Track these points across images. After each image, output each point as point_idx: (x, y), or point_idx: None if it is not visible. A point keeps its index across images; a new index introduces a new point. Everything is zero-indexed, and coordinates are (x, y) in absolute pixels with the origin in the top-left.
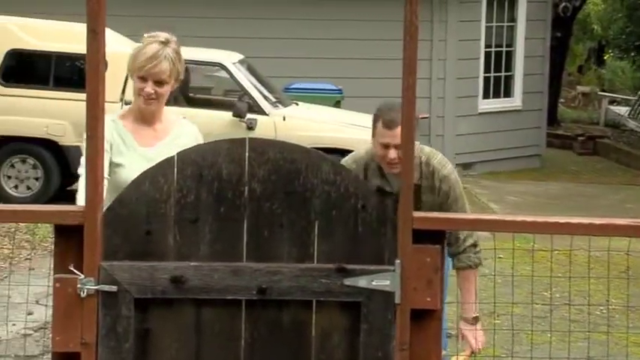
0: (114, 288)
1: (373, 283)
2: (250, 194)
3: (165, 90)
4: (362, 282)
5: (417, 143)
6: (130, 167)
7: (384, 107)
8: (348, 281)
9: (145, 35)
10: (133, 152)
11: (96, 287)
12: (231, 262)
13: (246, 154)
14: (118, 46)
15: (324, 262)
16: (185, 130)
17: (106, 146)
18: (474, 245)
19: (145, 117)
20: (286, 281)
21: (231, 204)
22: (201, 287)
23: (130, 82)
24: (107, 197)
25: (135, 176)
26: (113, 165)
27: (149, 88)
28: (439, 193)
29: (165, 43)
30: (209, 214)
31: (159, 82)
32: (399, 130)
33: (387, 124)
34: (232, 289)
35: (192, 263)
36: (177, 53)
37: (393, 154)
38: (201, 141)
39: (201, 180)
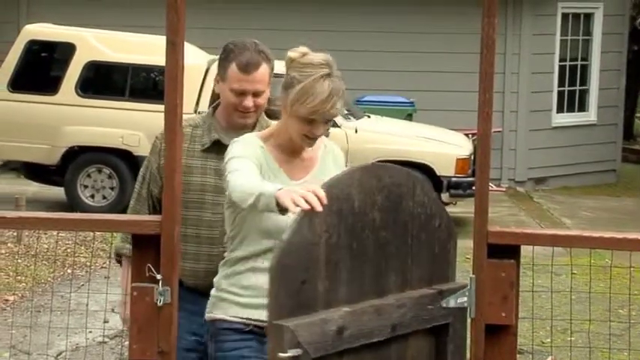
0: (299, 351)
1: (458, 301)
2: (372, 225)
3: (330, 124)
4: (452, 302)
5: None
6: None
7: (235, 47)
8: (444, 303)
9: (293, 56)
10: None
11: (287, 355)
12: (361, 300)
13: (373, 182)
14: (192, 58)
15: (417, 287)
16: (329, 155)
17: (258, 168)
18: None
19: (295, 150)
20: (409, 313)
21: (360, 238)
22: (357, 334)
23: (205, 91)
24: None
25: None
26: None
27: (320, 129)
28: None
29: (331, 74)
30: (346, 252)
31: (328, 121)
32: (257, 74)
33: (244, 67)
34: (376, 330)
35: (344, 309)
36: (340, 78)
37: (249, 102)
38: (342, 161)
39: (341, 216)
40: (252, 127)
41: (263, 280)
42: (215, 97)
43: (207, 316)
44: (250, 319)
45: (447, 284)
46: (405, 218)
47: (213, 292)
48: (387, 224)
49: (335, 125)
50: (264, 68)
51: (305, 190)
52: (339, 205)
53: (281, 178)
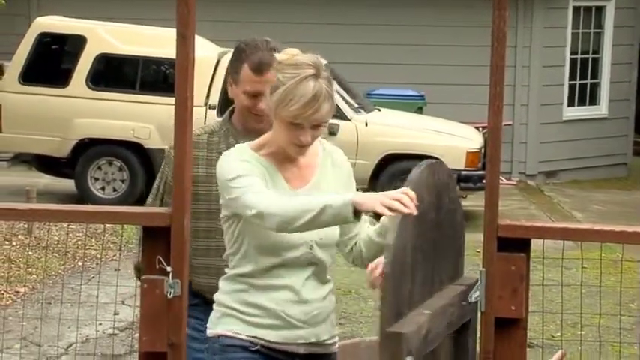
0: (412, 359)
1: (475, 296)
2: (431, 224)
3: (322, 130)
4: (473, 297)
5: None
6: None
7: (246, 47)
8: (469, 298)
9: (279, 58)
10: None
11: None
12: (424, 301)
13: (432, 180)
14: (202, 51)
15: (448, 284)
16: (328, 160)
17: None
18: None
19: (289, 157)
20: (456, 312)
21: (426, 239)
22: (434, 336)
23: (215, 84)
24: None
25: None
26: None
27: (307, 136)
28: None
29: (317, 75)
30: (419, 253)
31: (316, 126)
32: (270, 74)
33: (256, 67)
34: (441, 331)
35: (425, 311)
36: (330, 81)
37: (263, 104)
38: (344, 165)
39: (418, 217)
40: None
41: (265, 299)
42: (226, 92)
43: (210, 332)
44: (258, 338)
45: (467, 279)
46: (444, 216)
47: (215, 307)
48: (437, 223)
49: (345, 118)
50: None
51: (396, 192)
52: (421, 207)
53: (281, 187)
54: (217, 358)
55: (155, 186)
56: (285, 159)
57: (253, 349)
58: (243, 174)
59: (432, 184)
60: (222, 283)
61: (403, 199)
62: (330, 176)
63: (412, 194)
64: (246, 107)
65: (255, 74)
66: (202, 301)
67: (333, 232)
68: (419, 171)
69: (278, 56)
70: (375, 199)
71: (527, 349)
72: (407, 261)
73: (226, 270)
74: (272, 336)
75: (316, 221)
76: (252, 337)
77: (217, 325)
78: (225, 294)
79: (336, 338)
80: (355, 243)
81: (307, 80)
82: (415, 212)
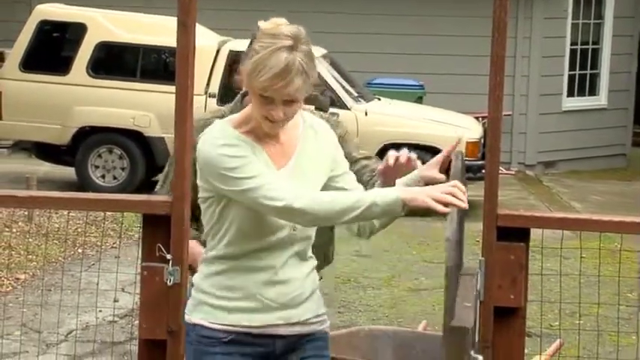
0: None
1: (477, 285)
2: (457, 213)
3: (296, 108)
4: (478, 285)
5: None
6: None
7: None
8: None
9: (262, 26)
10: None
11: (479, 357)
12: (459, 293)
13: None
14: (202, 39)
15: (457, 273)
16: (309, 132)
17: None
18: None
19: (268, 133)
20: (478, 300)
21: (457, 230)
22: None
23: (215, 73)
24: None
25: None
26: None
27: (279, 111)
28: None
29: (294, 47)
30: (454, 243)
31: (289, 102)
32: None
33: None
34: (475, 323)
35: (467, 304)
36: (309, 56)
37: None
38: (327, 136)
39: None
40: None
41: (242, 280)
42: (227, 81)
43: (187, 318)
44: (233, 326)
45: (469, 269)
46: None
47: (192, 292)
48: (457, 212)
49: (345, 108)
50: None
51: (446, 186)
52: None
53: (269, 165)
54: (193, 348)
55: (163, 174)
56: (265, 134)
57: (227, 339)
58: (245, 162)
59: (461, 174)
60: (200, 266)
61: (455, 192)
62: (311, 149)
63: (462, 187)
64: None
65: None
66: None
67: None
68: (458, 162)
69: (261, 24)
70: (425, 194)
71: (526, 338)
72: (457, 254)
73: (202, 250)
74: (247, 320)
75: (359, 218)
76: (227, 325)
77: (193, 313)
78: (202, 278)
79: (324, 317)
80: None
81: (281, 51)
82: (466, 206)
